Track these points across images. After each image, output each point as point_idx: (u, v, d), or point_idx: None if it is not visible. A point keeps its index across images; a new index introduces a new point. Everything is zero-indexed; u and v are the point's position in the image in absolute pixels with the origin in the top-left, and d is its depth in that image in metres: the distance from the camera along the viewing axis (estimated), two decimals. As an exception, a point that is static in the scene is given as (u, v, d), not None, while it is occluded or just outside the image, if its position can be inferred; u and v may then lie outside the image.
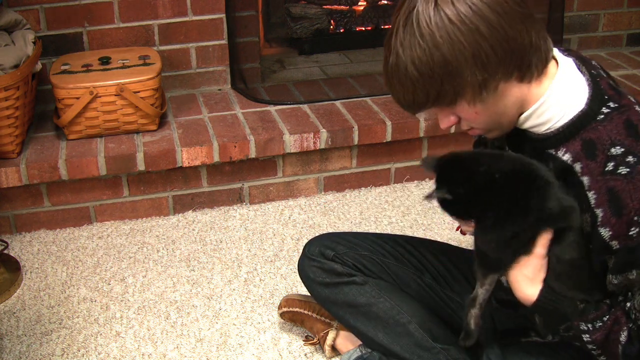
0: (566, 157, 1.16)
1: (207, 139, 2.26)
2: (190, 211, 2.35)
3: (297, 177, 2.41)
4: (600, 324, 1.16)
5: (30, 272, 2.05)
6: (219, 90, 2.63)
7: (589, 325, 1.16)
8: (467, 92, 1.12)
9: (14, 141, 2.13)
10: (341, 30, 3.04)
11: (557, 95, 1.16)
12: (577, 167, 1.15)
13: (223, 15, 2.51)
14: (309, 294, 1.65)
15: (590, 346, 1.18)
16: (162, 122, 2.35)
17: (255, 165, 2.34)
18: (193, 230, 2.26)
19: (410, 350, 1.47)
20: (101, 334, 1.81)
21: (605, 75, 1.22)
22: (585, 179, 1.13)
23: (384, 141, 2.38)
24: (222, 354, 1.74)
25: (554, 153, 1.18)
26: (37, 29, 2.36)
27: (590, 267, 1.17)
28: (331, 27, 3.02)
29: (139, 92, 2.21)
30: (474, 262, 1.28)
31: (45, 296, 1.95)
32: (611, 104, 1.15)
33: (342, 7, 3.03)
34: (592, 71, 1.20)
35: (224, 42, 2.56)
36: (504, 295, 1.27)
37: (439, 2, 1.08)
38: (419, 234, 2.20)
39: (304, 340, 1.76)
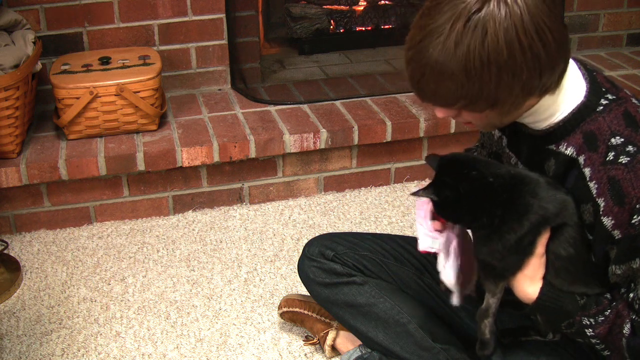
0: (569, 151, 1.17)
1: (207, 139, 2.26)
2: (190, 211, 2.35)
3: (297, 177, 2.40)
4: (603, 318, 1.16)
5: (30, 272, 2.05)
6: (219, 90, 2.63)
7: (591, 320, 1.16)
8: (504, 105, 1.10)
9: (14, 141, 2.13)
10: (341, 30, 3.04)
11: (560, 91, 1.16)
12: (581, 159, 1.15)
13: (223, 15, 2.51)
14: (309, 294, 1.65)
15: (594, 340, 1.18)
16: (162, 122, 2.34)
17: (255, 165, 2.34)
18: (193, 230, 2.26)
19: (410, 350, 1.47)
20: (101, 334, 1.81)
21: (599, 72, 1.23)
22: (587, 170, 1.14)
23: (384, 141, 2.38)
24: (222, 354, 1.74)
25: (555, 149, 1.19)
26: (37, 29, 2.35)
27: (589, 261, 1.18)
28: (331, 27, 3.02)
29: (139, 92, 2.21)
30: (478, 278, 1.28)
31: (45, 296, 1.95)
32: (609, 96, 1.16)
33: (342, 7, 3.03)
34: (588, 66, 1.21)
35: (224, 42, 2.56)
36: (505, 295, 1.27)
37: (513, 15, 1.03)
38: (419, 234, 2.20)
39: (304, 340, 1.76)
